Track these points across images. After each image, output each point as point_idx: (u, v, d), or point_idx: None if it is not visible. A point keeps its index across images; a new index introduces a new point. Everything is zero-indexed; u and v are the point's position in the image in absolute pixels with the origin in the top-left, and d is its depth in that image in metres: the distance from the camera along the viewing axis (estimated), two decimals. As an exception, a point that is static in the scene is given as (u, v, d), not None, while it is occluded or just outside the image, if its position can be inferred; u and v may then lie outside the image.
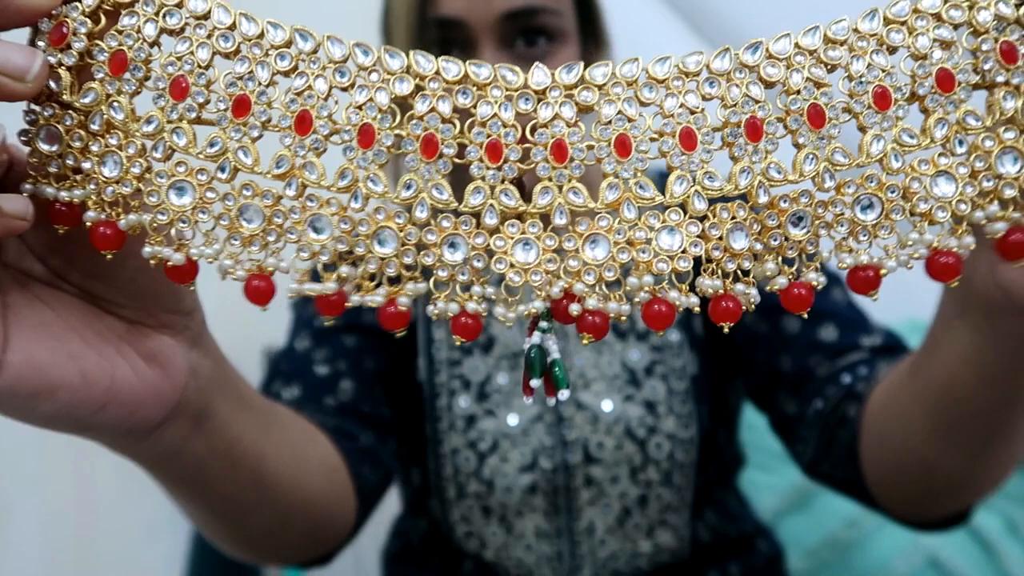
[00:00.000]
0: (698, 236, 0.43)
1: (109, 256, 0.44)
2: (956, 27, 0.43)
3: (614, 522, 0.93)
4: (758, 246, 0.44)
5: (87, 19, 0.44)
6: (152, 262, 0.44)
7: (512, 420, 0.93)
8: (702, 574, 0.97)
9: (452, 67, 0.44)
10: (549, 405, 0.93)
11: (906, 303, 1.17)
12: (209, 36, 0.44)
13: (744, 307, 0.43)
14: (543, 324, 0.44)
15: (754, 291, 0.44)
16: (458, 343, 0.43)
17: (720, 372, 0.98)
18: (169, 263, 0.44)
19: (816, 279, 0.44)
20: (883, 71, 0.43)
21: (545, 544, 0.94)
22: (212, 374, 0.54)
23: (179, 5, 0.44)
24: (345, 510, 0.81)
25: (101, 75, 0.44)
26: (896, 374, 0.74)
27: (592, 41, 0.96)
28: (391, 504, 1.09)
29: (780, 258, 0.44)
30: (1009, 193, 0.43)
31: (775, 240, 0.44)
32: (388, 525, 1.10)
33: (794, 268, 0.44)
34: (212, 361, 0.55)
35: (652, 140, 0.44)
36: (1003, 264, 0.51)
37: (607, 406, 0.92)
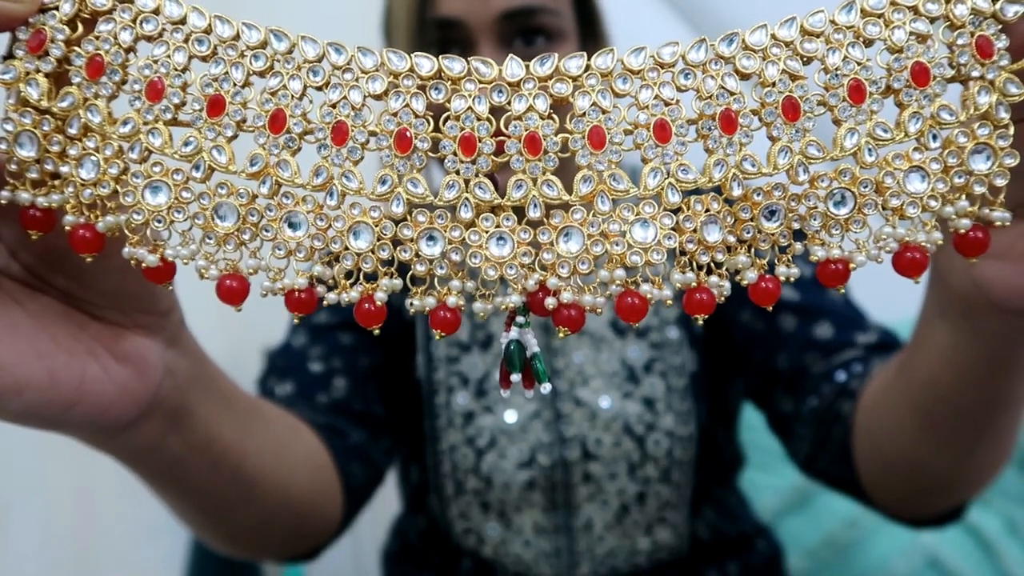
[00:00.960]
0: (672, 229, 0.43)
1: (89, 259, 0.45)
2: (933, 20, 0.43)
3: (612, 519, 0.93)
4: (731, 239, 0.44)
5: (65, 27, 0.44)
6: (132, 263, 0.44)
7: (510, 417, 0.93)
8: (701, 572, 0.97)
9: (425, 63, 0.44)
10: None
11: (904, 302, 1.16)
12: (186, 40, 0.44)
13: (717, 299, 0.43)
14: (520, 319, 0.43)
15: (727, 284, 0.43)
16: (438, 337, 0.43)
17: (720, 370, 0.98)
18: (143, 264, 0.44)
19: (786, 273, 0.44)
20: (859, 64, 0.43)
21: (543, 540, 0.94)
22: (190, 373, 0.55)
23: (156, 11, 0.44)
24: (331, 508, 0.81)
25: (79, 79, 0.44)
26: (886, 371, 0.74)
27: (592, 41, 0.96)
28: (392, 504, 1.09)
29: (752, 251, 0.44)
30: (979, 190, 0.43)
31: (748, 233, 0.44)
32: (388, 525, 1.10)
33: (766, 261, 0.44)
34: (190, 360, 0.55)
35: (626, 132, 0.43)
36: (981, 262, 0.51)
37: (605, 403, 0.91)
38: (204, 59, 0.44)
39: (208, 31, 0.44)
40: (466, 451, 0.93)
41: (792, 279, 0.44)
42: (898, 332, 0.91)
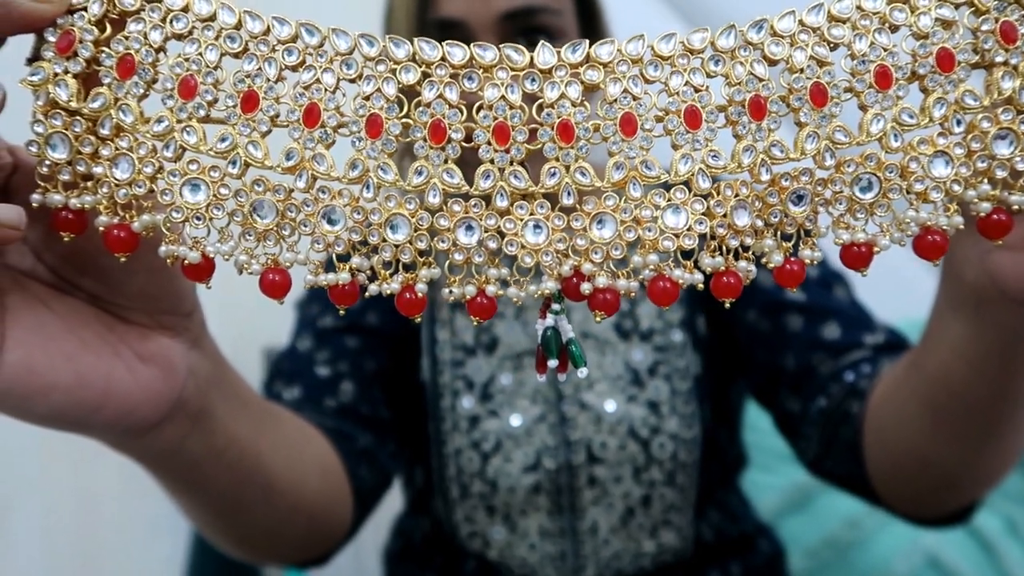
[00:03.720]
0: (703, 214, 0.44)
1: (123, 259, 0.44)
2: (958, 6, 0.44)
3: (618, 522, 0.92)
4: (759, 223, 0.44)
5: (93, 27, 0.44)
6: (169, 261, 0.44)
7: (515, 421, 0.92)
8: (704, 574, 0.96)
9: (457, 51, 0.44)
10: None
11: (906, 302, 1.17)
12: (217, 37, 0.44)
13: (744, 282, 0.44)
14: (555, 306, 0.44)
15: (753, 267, 0.44)
16: (475, 323, 0.44)
17: (723, 372, 0.98)
18: (186, 261, 0.44)
19: (811, 256, 0.45)
20: (885, 50, 0.44)
21: (549, 544, 0.93)
22: (211, 374, 0.54)
23: (185, 9, 0.44)
24: (342, 511, 0.80)
25: (109, 80, 0.44)
26: (895, 370, 0.74)
27: (594, 39, 0.96)
28: (392, 503, 1.08)
29: (779, 234, 0.44)
30: (1000, 174, 0.44)
31: (775, 217, 0.44)
32: (388, 524, 1.09)
33: (791, 244, 0.45)
34: (211, 361, 0.55)
35: (657, 119, 0.44)
36: (993, 252, 0.52)
37: (610, 406, 0.91)
38: (236, 55, 0.44)
39: (238, 27, 0.44)
40: (471, 455, 0.92)
41: (815, 262, 0.44)
42: (901, 330, 0.91)
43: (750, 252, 0.44)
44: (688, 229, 0.43)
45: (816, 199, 0.44)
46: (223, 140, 0.44)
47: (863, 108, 0.44)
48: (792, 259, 0.44)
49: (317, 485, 0.74)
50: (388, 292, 0.44)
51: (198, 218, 0.44)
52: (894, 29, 0.44)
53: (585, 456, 0.91)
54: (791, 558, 1.13)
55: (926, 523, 0.81)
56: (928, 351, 0.65)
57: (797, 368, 0.89)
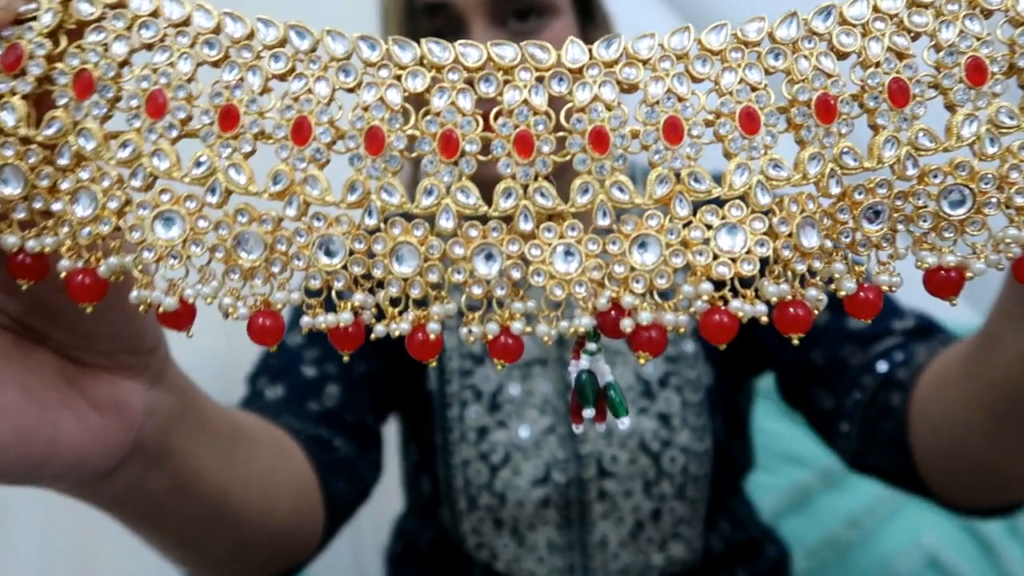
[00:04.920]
0: (764, 233, 0.35)
1: (89, 309, 0.37)
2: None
3: (627, 536, 0.87)
4: (827, 243, 0.36)
5: (45, 40, 0.36)
6: (141, 308, 0.37)
7: (524, 432, 0.87)
8: (711, 580, 0.91)
9: (472, 52, 0.36)
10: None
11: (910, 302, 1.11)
12: (192, 44, 0.37)
13: (813, 314, 0.36)
14: (591, 345, 0.36)
15: (824, 295, 0.36)
16: (499, 367, 0.36)
17: (733, 380, 0.92)
18: (161, 308, 0.37)
19: (888, 282, 0.37)
20: (977, 39, 0.36)
21: (557, 557, 0.88)
22: (174, 410, 0.49)
23: (154, 14, 0.37)
24: (311, 529, 0.75)
25: (65, 100, 0.37)
26: (947, 367, 0.67)
27: (588, 17, 0.89)
28: (392, 503, 1.04)
29: (850, 257, 0.37)
30: None
31: (846, 236, 0.36)
32: (388, 524, 1.03)
33: (864, 268, 0.37)
34: (175, 395, 0.49)
35: (707, 123, 0.36)
36: None
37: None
38: (216, 64, 0.37)
39: (217, 31, 0.37)
40: (480, 467, 0.87)
41: (894, 289, 0.37)
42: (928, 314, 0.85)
43: (818, 277, 0.36)
44: (747, 252, 0.35)
45: (895, 215, 0.36)
46: (199, 164, 0.37)
47: (951, 108, 0.36)
48: (866, 285, 0.36)
49: (288, 507, 0.69)
50: (397, 333, 0.37)
51: (173, 256, 0.36)
52: (987, 14, 0.36)
53: (595, 470, 0.86)
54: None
55: (978, 514, 0.75)
56: (991, 356, 0.58)
57: (826, 362, 0.83)
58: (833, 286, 0.36)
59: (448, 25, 0.81)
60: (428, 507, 0.95)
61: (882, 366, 0.77)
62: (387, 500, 0.94)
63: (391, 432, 0.97)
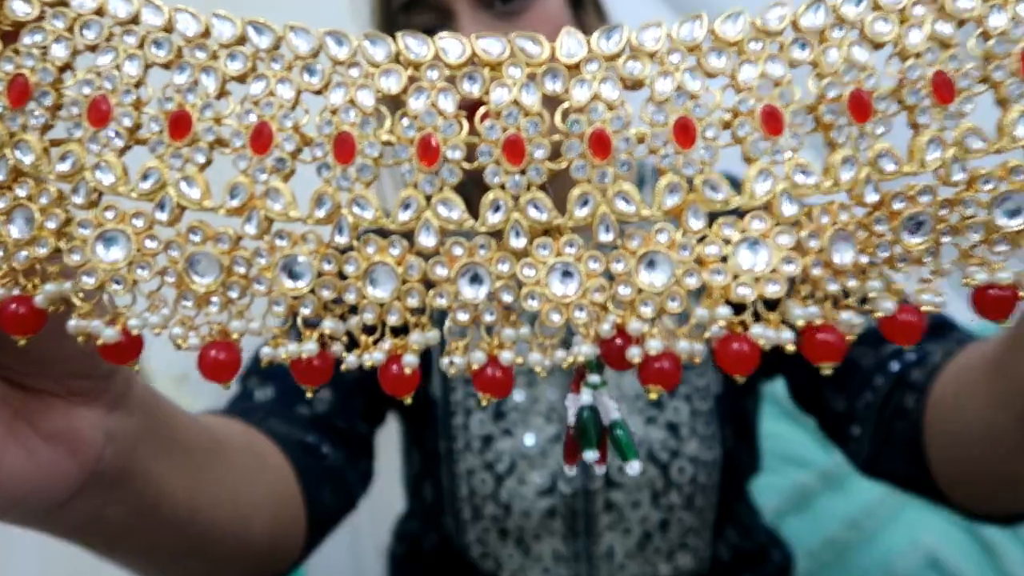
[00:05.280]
0: (791, 249, 0.31)
1: (22, 342, 0.33)
2: None
3: (634, 547, 0.84)
4: (863, 259, 0.31)
5: None
6: (80, 339, 0.33)
7: (529, 440, 0.83)
8: (718, 590, 0.89)
9: (454, 46, 0.31)
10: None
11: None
12: (141, 45, 0.33)
13: (847, 339, 0.31)
14: (593, 378, 0.31)
15: (859, 318, 0.31)
16: (484, 403, 0.31)
17: (741, 386, 0.88)
18: (100, 341, 0.32)
19: (932, 301, 0.32)
20: (1033, 24, 0.31)
21: (563, 568, 0.85)
22: (139, 431, 0.46)
23: (99, 12, 0.33)
24: (292, 541, 0.72)
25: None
26: (968, 370, 0.63)
27: (579, 1, 0.83)
28: (392, 503, 1.01)
29: (888, 274, 0.32)
30: None
31: (884, 251, 0.31)
32: (388, 524, 1.00)
33: (903, 286, 0.32)
34: (140, 415, 0.46)
35: (724, 124, 0.31)
36: None
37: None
38: (167, 66, 0.33)
39: (168, 29, 0.33)
40: (484, 476, 0.84)
41: (938, 309, 0.32)
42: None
43: (851, 298, 0.31)
44: (771, 271, 0.30)
45: (939, 226, 0.31)
46: (147, 177, 0.32)
47: (1003, 103, 0.31)
48: (908, 306, 0.31)
49: (266, 521, 0.66)
50: (370, 364, 0.32)
51: (117, 281, 0.32)
52: (1045, -5, 0.31)
53: (603, 481, 0.83)
54: (791, 559, 1.07)
55: (991, 521, 0.71)
56: (1019, 360, 0.53)
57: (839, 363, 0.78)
58: (868, 306, 0.32)
59: (433, 16, 0.76)
60: (431, 514, 0.92)
61: (894, 366, 0.73)
62: (387, 500, 0.92)
63: (391, 433, 0.94)
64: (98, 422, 0.42)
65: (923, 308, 0.31)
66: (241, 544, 0.62)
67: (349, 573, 1.31)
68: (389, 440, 0.90)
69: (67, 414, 0.40)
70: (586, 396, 0.31)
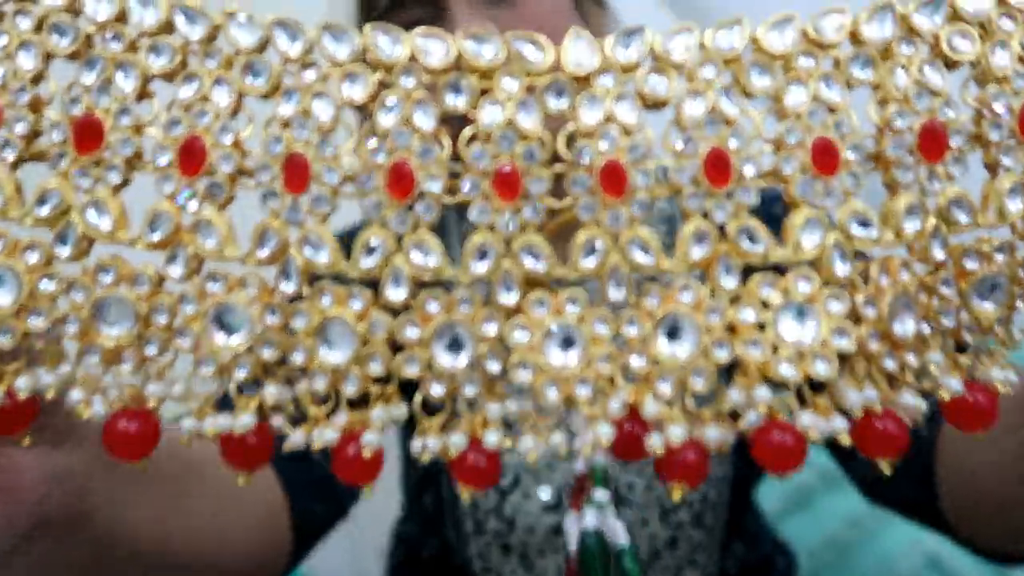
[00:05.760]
0: (845, 317, 0.25)
1: None
2: None
3: (641, 565, 0.81)
4: (925, 327, 0.26)
5: None
6: None
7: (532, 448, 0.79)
8: (722, 601, 0.88)
9: (436, 46, 0.25)
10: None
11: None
12: (38, 28, 0.27)
13: (910, 427, 0.26)
14: (598, 494, 0.25)
15: (923, 401, 0.26)
16: (466, 497, 0.25)
17: None
18: None
19: (1003, 378, 0.26)
20: None
21: None
22: (91, 467, 0.42)
23: None
24: (275, 558, 0.68)
25: None
26: None
27: None
28: (392, 503, 0.98)
29: (952, 345, 0.26)
30: None
31: (949, 319, 0.26)
32: (388, 524, 0.98)
33: (970, 360, 0.26)
34: (94, 447, 0.41)
35: (764, 157, 0.25)
36: None
37: None
38: (71, 57, 0.27)
39: (74, 10, 0.27)
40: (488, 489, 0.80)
41: (1007, 389, 0.26)
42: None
43: (908, 374, 0.25)
44: (822, 345, 0.24)
45: (1017, 289, 0.25)
46: (45, 200, 0.26)
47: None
48: (976, 384, 0.26)
49: (248, 542, 0.63)
50: (320, 445, 0.26)
51: (2, 332, 0.26)
52: None
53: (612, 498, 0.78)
54: (791, 559, 1.10)
55: (1004, 561, 0.68)
56: None
57: None
58: (928, 383, 0.26)
59: (424, 11, 0.68)
60: (431, 523, 0.89)
61: None
62: (386, 500, 0.89)
63: (391, 433, 0.91)
64: (38, 463, 0.39)
65: (997, 387, 0.26)
66: (221, 566, 0.59)
67: (349, 573, 1.31)
68: (389, 440, 0.86)
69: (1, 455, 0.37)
70: (590, 518, 0.25)
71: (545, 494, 0.80)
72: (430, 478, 0.86)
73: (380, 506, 0.80)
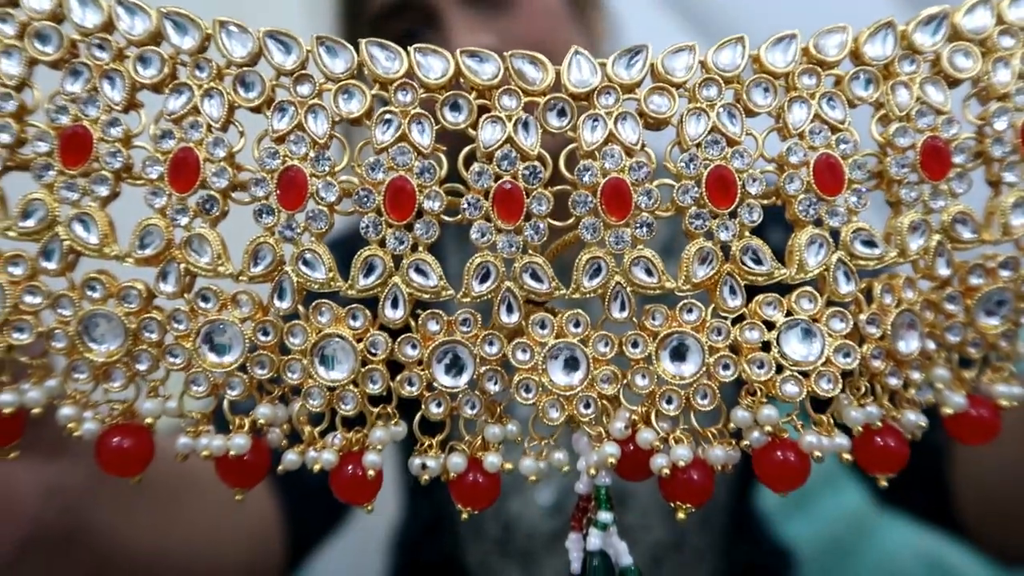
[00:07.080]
0: (846, 336, 0.24)
1: None
2: None
3: (645, 569, 0.79)
4: (930, 344, 0.25)
5: None
6: None
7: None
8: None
9: (435, 62, 0.24)
10: None
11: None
12: (21, 36, 0.26)
13: (910, 442, 0.25)
14: (602, 516, 0.24)
15: (924, 419, 0.25)
16: (464, 516, 0.25)
17: None
18: None
19: (1008, 394, 0.26)
20: None
21: None
22: (89, 479, 0.41)
23: None
24: (266, 570, 0.67)
25: None
26: (1008, 411, 0.58)
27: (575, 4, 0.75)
28: (392, 502, 0.97)
29: (956, 361, 0.26)
30: None
31: (954, 335, 0.25)
32: (388, 523, 0.97)
33: (973, 375, 0.26)
34: (91, 460, 0.39)
35: (766, 176, 0.25)
36: None
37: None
38: (55, 65, 0.26)
39: (57, 18, 0.26)
40: None
41: (1012, 405, 0.26)
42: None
43: (912, 390, 0.25)
44: (825, 363, 0.24)
45: (1021, 304, 0.25)
46: (29, 215, 0.25)
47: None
48: (980, 398, 0.25)
49: (240, 552, 0.62)
50: (317, 467, 0.26)
51: None
52: None
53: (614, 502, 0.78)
54: (791, 558, 1.09)
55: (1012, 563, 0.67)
56: None
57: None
58: (931, 397, 0.26)
59: (416, 17, 0.66)
60: (430, 528, 0.88)
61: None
62: (386, 500, 0.86)
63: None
64: (31, 479, 0.38)
65: (999, 401, 0.26)
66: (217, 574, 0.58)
67: (349, 573, 1.27)
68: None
69: None
70: (594, 539, 0.25)
71: (544, 499, 0.79)
72: (426, 487, 0.85)
73: (380, 505, 0.80)
